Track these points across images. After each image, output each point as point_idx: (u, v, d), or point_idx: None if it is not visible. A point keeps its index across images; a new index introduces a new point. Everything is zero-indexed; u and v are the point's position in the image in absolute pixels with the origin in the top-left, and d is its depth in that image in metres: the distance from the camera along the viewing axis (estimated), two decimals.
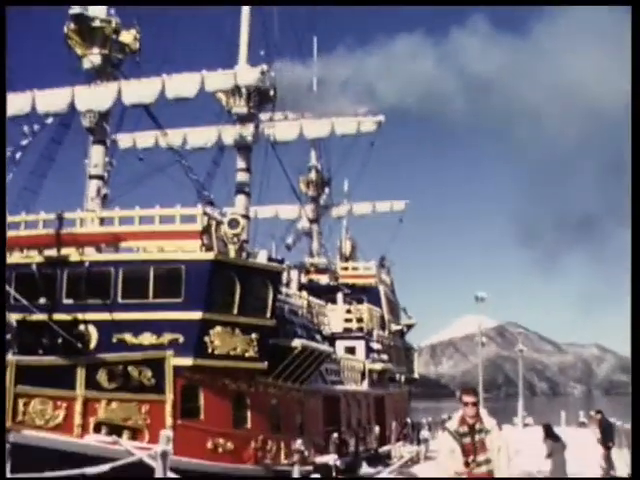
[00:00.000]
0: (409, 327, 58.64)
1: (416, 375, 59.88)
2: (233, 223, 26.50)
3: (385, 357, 46.31)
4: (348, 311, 44.54)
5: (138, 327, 24.57)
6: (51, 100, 28.37)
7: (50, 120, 28.83)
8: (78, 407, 22.21)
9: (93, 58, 28.72)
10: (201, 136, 36.65)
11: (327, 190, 53.86)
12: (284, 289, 31.83)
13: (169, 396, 23.95)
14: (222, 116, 35.67)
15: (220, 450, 25.33)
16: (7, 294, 22.85)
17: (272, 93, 34.46)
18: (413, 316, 59.76)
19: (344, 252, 55.76)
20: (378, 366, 44.06)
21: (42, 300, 24.39)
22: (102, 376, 22.82)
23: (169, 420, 23.68)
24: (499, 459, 9.95)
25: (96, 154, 28.98)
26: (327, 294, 42.54)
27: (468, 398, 10.11)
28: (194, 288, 24.76)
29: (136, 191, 32.25)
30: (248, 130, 34.33)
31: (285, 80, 36.11)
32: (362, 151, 48.61)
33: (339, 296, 44.48)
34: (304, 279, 42.66)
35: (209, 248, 25.60)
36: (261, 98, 34.48)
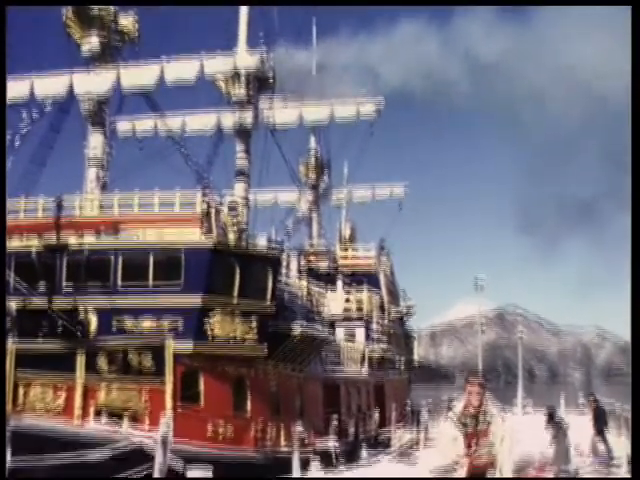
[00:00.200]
0: (409, 310, 58.56)
1: (416, 360, 59.93)
2: (232, 208, 26.50)
3: (385, 342, 46.36)
4: (347, 297, 44.56)
5: (138, 313, 24.59)
6: (50, 85, 28.32)
7: (49, 106, 28.79)
8: (78, 393, 22.26)
9: (92, 44, 28.64)
10: (200, 121, 36.58)
11: (327, 174, 53.79)
12: (284, 274, 31.81)
13: (169, 381, 23.97)
14: (221, 101, 35.58)
15: (220, 435, 25.39)
16: (7, 280, 22.89)
17: (271, 78, 34.35)
18: (412, 300, 59.75)
19: (344, 236, 55.69)
20: (378, 351, 44.11)
21: (42, 286, 24.38)
22: (102, 362, 22.86)
23: (169, 405, 23.70)
24: (502, 448, 9.75)
25: (95, 139, 28.94)
26: (327, 279, 42.55)
27: (473, 385, 9.89)
28: (194, 273, 24.76)
29: (135, 176, 32.26)
30: (247, 115, 34.21)
31: (285, 65, 36.02)
32: (362, 135, 48.56)
33: (339, 281, 44.48)
34: (304, 264, 42.64)
35: (209, 233, 25.58)
36: (260, 83, 34.34)
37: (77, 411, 22.14)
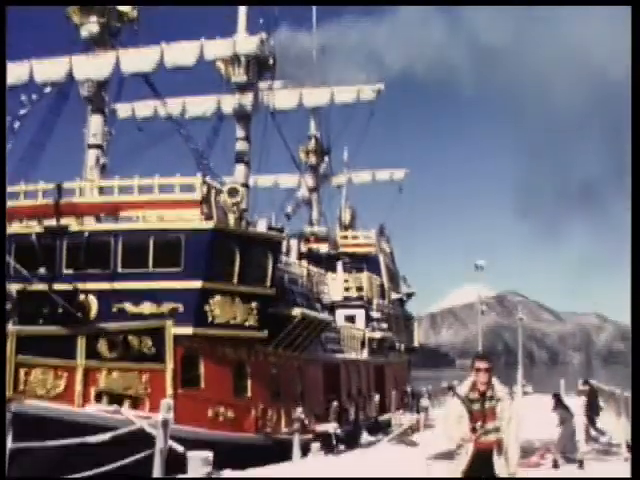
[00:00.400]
0: (409, 296, 58.80)
1: (416, 344, 60.06)
2: (233, 192, 26.49)
3: (385, 326, 46.45)
4: (347, 280, 44.62)
5: (138, 296, 24.62)
6: (49, 69, 28.23)
7: (48, 89, 28.75)
8: (79, 376, 22.25)
9: (91, 27, 28.54)
10: (200, 105, 36.49)
11: (327, 159, 53.72)
12: (284, 258, 31.86)
13: (169, 365, 24.02)
14: (221, 85, 35.52)
15: (220, 419, 25.47)
16: (7, 264, 22.89)
17: (271, 62, 34.26)
18: (412, 285, 59.94)
19: (344, 221, 55.76)
20: (378, 335, 44.21)
21: (42, 270, 24.37)
22: (102, 345, 22.85)
23: (169, 389, 23.75)
24: (508, 430, 9.57)
25: (95, 123, 28.90)
26: (327, 263, 42.61)
27: (481, 364, 9.69)
28: (194, 257, 24.77)
29: (135, 161, 32.23)
30: (247, 99, 34.15)
31: (285, 48, 35.94)
32: (362, 119, 48.55)
33: (339, 265, 44.53)
34: (304, 248, 42.67)
35: (209, 217, 25.59)
36: (260, 67, 34.26)
37: (78, 395, 22.16)
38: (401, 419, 38.09)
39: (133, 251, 25.08)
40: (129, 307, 24.50)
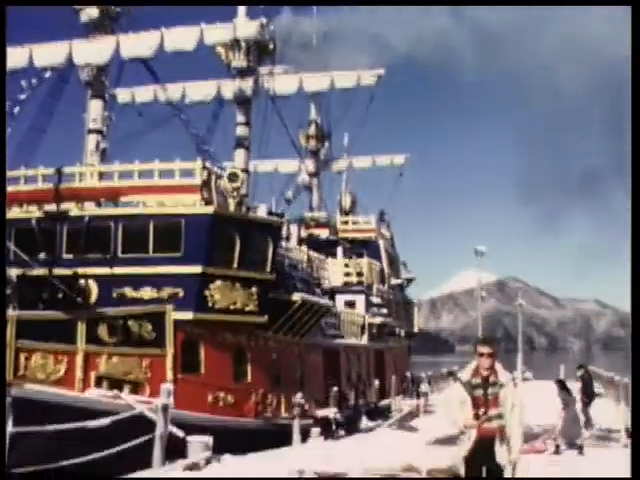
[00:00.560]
0: (409, 281, 58.83)
1: (416, 329, 60.14)
2: (233, 177, 26.45)
3: (385, 311, 46.46)
4: (347, 265, 44.61)
5: (138, 281, 24.62)
6: (49, 54, 28.18)
7: (48, 74, 28.69)
8: (79, 361, 22.25)
9: (90, 11, 28.47)
10: (200, 90, 36.45)
11: (327, 144, 53.72)
12: (284, 243, 31.84)
13: (169, 350, 24.02)
14: (221, 70, 35.44)
15: (221, 404, 25.49)
16: (7, 249, 22.88)
17: (271, 46, 34.16)
18: (412, 271, 59.96)
19: (344, 206, 55.68)
20: (378, 320, 44.21)
21: (42, 255, 24.36)
22: (103, 330, 22.85)
23: (170, 374, 23.75)
24: (511, 417, 9.52)
25: (95, 108, 28.86)
26: (327, 248, 42.59)
27: (484, 349, 9.65)
28: (194, 242, 24.76)
29: (135, 145, 32.21)
30: (247, 84, 34.08)
31: (285, 33, 35.81)
32: (362, 105, 48.44)
33: (339, 250, 44.52)
34: (304, 233, 42.65)
35: (209, 202, 25.56)
36: (260, 51, 34.16)
37: (78, 379, 22.17)
38: (401, 404, 38.18)
39: (133, 236, 25.07)
40: (129, 292, 24.51)
